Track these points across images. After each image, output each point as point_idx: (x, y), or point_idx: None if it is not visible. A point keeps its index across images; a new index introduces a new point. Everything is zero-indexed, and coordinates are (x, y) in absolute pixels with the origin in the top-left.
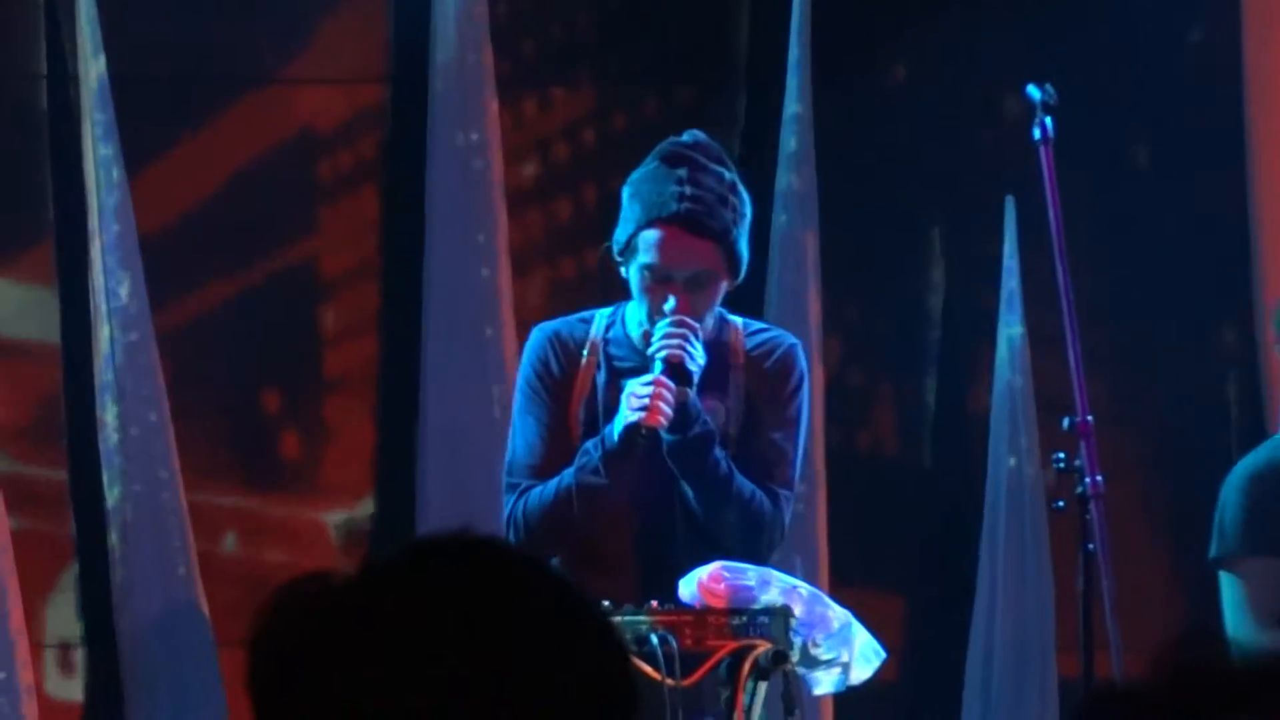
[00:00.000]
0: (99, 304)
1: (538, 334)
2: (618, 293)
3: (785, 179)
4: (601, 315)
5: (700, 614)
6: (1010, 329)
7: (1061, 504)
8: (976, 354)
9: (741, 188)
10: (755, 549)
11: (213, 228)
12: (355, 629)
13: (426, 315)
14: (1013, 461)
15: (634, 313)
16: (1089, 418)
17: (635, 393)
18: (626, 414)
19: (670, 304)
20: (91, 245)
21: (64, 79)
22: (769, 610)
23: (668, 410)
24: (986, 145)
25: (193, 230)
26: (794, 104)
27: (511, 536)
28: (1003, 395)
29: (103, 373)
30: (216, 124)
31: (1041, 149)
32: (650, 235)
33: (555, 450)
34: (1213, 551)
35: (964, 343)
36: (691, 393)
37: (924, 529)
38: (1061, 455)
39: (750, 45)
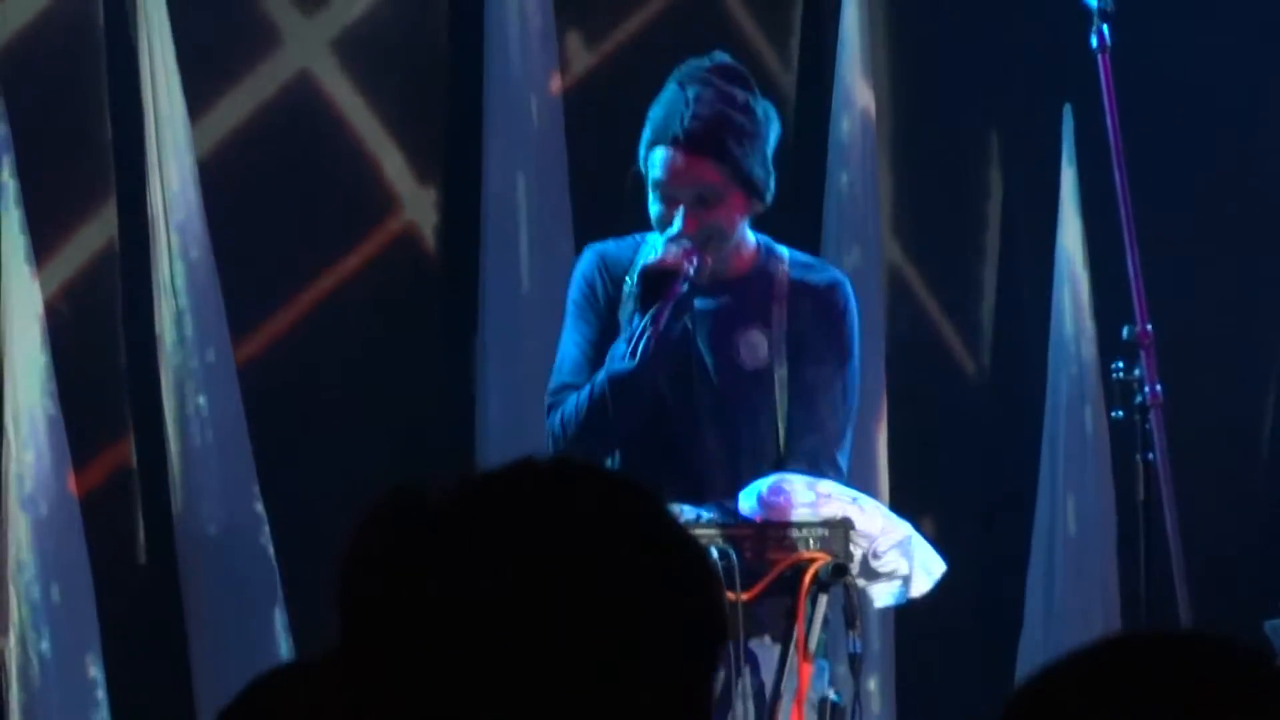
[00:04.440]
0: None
1: (588, 254)
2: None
3: (842, 84)
4: (653, 239)
5: (760, 527)
6: (1068, 238)
7: (1120, 414)
8: (1036, 263)
9: (759, 106)
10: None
11: None
12: (452, 552)
13: None
14: (1072, 371)
15: (655, 240)
16: (1148, 327)
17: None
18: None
19: (675, 227)
20: None
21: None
22: (829, 523)
23: (687, 263)
24: (1045, 52)
25: None
26: (851, 8)
27: (552, 448)
28: (1061, 305)
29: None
30: None
31: (1099, 57)
32: (656, 155)
33: (596, 368)
34: None
35: (1023, 251)
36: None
37: (984, 439)
38: (1120, 365)
39: None
